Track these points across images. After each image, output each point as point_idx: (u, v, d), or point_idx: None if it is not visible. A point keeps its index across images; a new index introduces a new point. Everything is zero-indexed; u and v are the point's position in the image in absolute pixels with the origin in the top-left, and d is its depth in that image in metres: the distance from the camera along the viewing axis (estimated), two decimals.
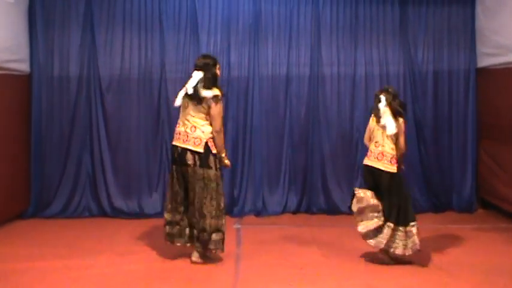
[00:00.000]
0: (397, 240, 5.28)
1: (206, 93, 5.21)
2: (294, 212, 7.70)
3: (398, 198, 5.30)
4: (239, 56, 7.63)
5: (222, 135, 5.32)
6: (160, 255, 5.63)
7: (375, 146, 5.42)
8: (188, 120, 5.28)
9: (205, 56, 5.59)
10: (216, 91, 5.24)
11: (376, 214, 5.35)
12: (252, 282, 4.91)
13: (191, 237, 5.39)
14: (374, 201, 5.37)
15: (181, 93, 5.37)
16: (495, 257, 5.63)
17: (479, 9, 7.75)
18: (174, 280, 4.94)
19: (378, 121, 5.45)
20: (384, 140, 5.38)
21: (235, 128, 7.62)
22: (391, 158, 5.34)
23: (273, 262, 5.45)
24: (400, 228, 5.27)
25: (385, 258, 5.40)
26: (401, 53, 7.80)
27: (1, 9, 6.65)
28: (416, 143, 7.75)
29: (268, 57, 7.68)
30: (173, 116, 7.44)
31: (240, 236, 6.52)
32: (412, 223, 5.28)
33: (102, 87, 7.49)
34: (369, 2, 7.78)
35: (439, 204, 7.80)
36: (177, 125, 5.40)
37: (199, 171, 5.21)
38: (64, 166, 7.46)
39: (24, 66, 7.24)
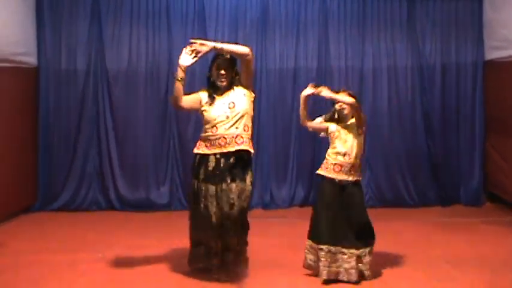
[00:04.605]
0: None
1: None
2: (302, 205, 7.70)
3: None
4: None
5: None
6: (168, 248, 5.64)
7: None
8: None
9: None
10: None
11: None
12: (259, 276, 4.90)
13: None
14: None
15: None
16: (502, 251, 5.63)
17: (486, 2, 7.73)
18: (183, 273, 4.93)
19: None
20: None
21: None
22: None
23: (281, 255, 5.46)
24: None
25: None
26: (409, 46, 7.78)
27: (9, 2, 6.67)
28: (424, 136, 7.77)
29: (276, 51, 7.67)
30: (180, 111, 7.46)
31: None
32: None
33: (109, 80, 7.49)
34: None
35: (446, 197, 7.79)
36: None
37: None
38: (71, 159, 7.47)
39: (31, 59, 7.25)
